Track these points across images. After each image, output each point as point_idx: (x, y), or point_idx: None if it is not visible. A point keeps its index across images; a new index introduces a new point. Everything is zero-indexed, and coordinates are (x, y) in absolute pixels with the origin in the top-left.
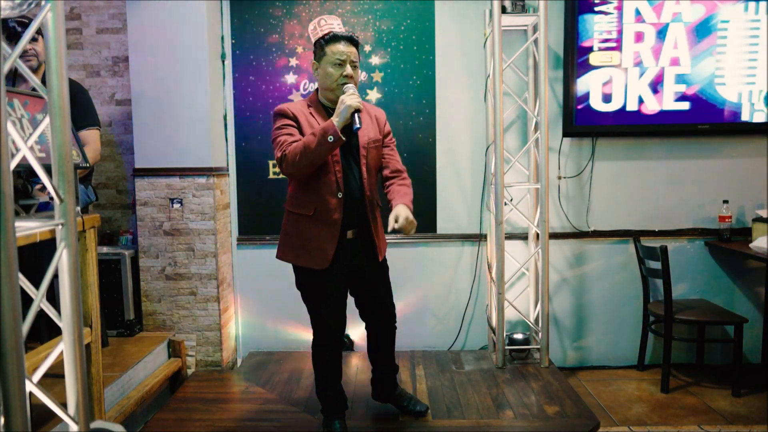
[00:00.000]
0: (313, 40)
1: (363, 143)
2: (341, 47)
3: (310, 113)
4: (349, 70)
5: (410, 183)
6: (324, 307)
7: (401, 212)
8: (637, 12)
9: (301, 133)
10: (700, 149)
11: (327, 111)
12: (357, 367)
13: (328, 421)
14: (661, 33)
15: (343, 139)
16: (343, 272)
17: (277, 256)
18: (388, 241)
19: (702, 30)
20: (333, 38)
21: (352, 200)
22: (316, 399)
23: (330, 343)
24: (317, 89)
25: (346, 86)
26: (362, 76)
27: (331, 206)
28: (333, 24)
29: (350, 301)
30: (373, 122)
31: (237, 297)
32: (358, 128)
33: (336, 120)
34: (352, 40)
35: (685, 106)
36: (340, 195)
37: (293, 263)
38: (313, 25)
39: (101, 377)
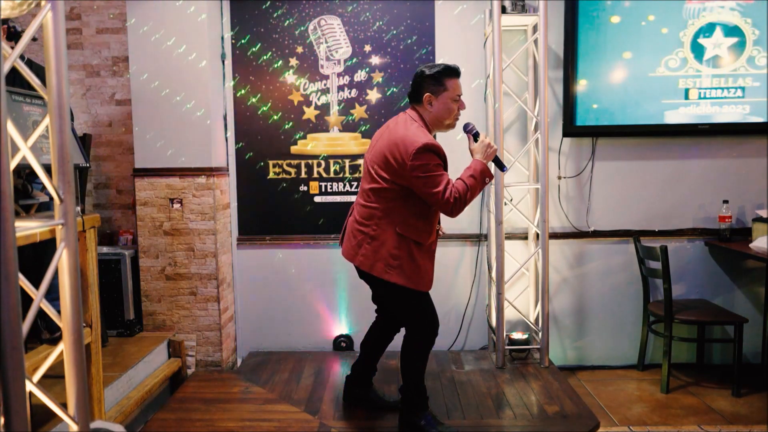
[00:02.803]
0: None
1: None
2: (459, 82)
3: None
4: (463, 103)
5: None
6: (432, 306)
7: None
8: None
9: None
10: (700, 149)
11: None
12: None
13: (424, 410)
14: None
15: (501, 169)
16: None
17: (385, 278)
18: None
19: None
20: (452, 72)
21: None
22: (317, 399)
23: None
24: (419, 117)
25: (471, 125)
26: (362, 76)
27: (435, 237)
28: (333, 24)
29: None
30: None
31: (237, 297)
32: (507, 169)
33: (485, 161)
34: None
35: None
36: (438, 225)
37: (406, 286)
38: (314, 25)
39: (101, 377)
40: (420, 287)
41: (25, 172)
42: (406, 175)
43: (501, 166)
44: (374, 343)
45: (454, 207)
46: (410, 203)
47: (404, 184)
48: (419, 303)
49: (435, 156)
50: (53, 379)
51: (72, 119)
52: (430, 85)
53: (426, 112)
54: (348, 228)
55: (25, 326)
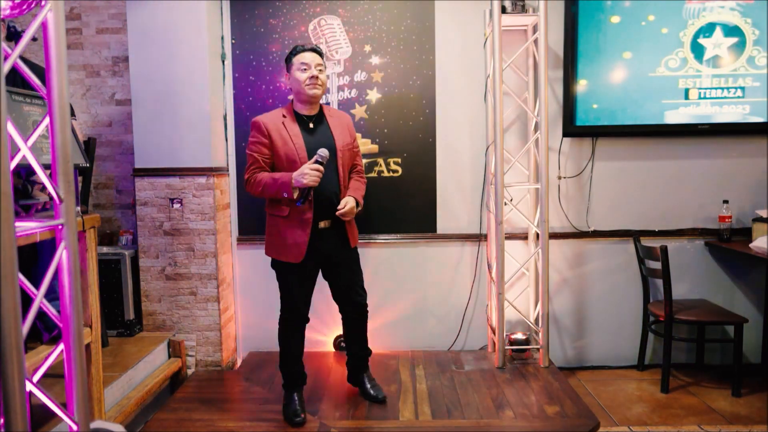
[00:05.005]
0: (312, 40)
1: (339, 147)
2: (305, 55)
3: (283, 124)
4: (314, 71)
5: (365, 181)
6: (297, 293)
7: (348, 201)
8: None
9: (272, 147)
10: (700, 149)
11: (300, 119)
12: None
13: (288, 393)
14: None
15: (293, 200)
16: (317, 261)
17: (266, 253)
18: (391, 241)
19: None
20: (298, 50)
21: (327, 197)
22: (317, 399)
23: (296, 322)
24: (293, 99)
25: (316, 164)
26: (362, 76)
27: (303, 208)
28: (333, 24)
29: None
30: (344, 128)
31: (237, 297)
32: (301, 203)
33: (293, 180)
34: (315, 50)
35: None
36: (310, 197)
37: (275, 258)
38: (314, 25)
39: (101, 377)
40: (287, 258)
41: (25, 172)
42: None
43: (299, 198)
44: (349, 333)
45: (246, 184)
46: None
47: None
48: (284, 285)
49: (255, 132)
50: (53, 378)
51: (73, 115)
52: (286, 70)
53: (293, 93)
54: None
55: (25, 326)
